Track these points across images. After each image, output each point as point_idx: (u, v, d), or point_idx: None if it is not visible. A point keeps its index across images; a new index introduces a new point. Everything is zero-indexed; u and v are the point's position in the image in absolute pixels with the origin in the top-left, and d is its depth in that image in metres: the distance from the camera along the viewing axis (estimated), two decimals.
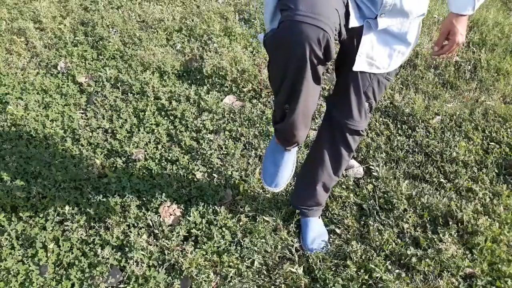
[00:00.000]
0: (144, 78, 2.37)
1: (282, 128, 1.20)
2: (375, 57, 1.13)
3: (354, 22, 1.04)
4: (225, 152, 1.97)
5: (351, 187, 1.83)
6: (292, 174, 1.39)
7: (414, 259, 1.52)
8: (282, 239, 1.60)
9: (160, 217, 1.65)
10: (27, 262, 1.48)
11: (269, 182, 1.37)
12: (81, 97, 2.24)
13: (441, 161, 1.98)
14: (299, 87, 1.01)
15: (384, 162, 1.96)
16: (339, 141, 1.37)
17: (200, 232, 1.60)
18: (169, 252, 1.52)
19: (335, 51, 1.03)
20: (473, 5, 1.12)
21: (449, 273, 1.50)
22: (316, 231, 1.60)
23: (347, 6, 1.01)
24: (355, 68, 1.13)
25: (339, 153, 1.40)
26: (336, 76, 1.30)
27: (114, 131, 2.06)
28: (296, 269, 1.49)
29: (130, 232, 1.58)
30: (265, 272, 1.50)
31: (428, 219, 1.70)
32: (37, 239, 1.54)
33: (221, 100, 2.27)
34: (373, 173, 1.90)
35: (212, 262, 1.52)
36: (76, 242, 1.55)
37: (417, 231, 1.64)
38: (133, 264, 1.49)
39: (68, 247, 1.54)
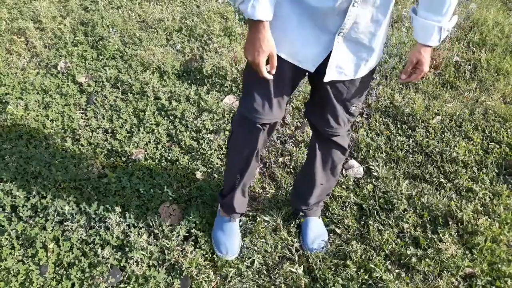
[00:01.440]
0: (144, 78, 2.37)
1: (229, 201, 1.51)
2: (343, 65, 1.14)
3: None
4: (225, 152, 1.97)
5: (351, 187, 1.83)
6: (240, 241, 1.58)
7: (414, 259, 1.52)
8: (282, 239, 1.60)
9: (160, 217, 1.65)
10: (27, 262, 1.48)
11: (223, 251, 1.53)
12: (81, 97, 2.24)
13: (441, 161, 1.98)
14: (251, 158, 1.36)
15: (384, 162, 1.96)
16: (327, 146, 1.42)
17: (200, 232, 1.60)
18: (169, 252, 1.52)
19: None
20: (439, 37, 1.12)
21: (449, 273, 1.50)
22: (316, 231, 1.60)
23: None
24: (326, 79, 1.15)
25: (331, 155, 1.44)
26: (311, 86, 1.34)
27: (114, 131, 2.06)
28: (296, 269, 1.49)
29: (130, 232, 1.58)
30: (265, 272, 1.50)
31: (428, 219, 1.70)
32: (37, 239, 1.54)
33: (221, 100, 2.27)
34: (373, 173, 1.90)
35: (212, 262, 1.52)
36: (76, 242, 1.55)
37: (417, 231, 1.64)
38: (133, 264, 1.49)
39: (68, 247, 1.54)
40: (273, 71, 1.11)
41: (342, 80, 1.19)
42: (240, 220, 1.63)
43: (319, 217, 1.66)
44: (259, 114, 1.24)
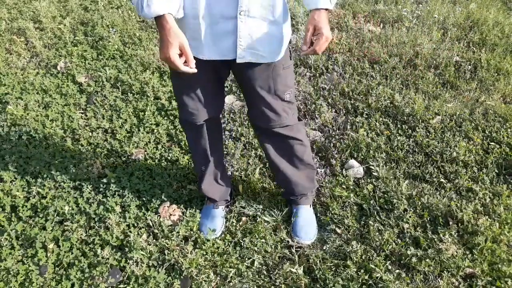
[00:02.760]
0: (144, 78, 2.37)
1: (205, 192, 1.60)
2: (257, 46, 1.14)
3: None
4: (225, 152, 1.97)
5: (351, 187, 1.82)
6: (223, 224, 1.65)
7: (414, 259, 1.52)
8: (282, 239, 1.60)
9: (160, 217, 1.65)
10: (27, 262, 1.48)
11: (204, 230, 1.61)
12: (81, 97, 2.24)
13: (441, 161, 1.98)
14: (207, 152, 1.48)
15: (384, 162, 1.96)
16: (277, 139, 1.44)
17: (200, 232, 1.60)
18: (169, 252, 1.52)
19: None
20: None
21: (449, 273, 1.50)
22: (305, 219, 1.63)
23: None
24: (239, 60, 1.15)
25: (286, 146, 1.47)
26: (239, 85, 1.38)
27: (114, 131, 2.06)
28: (296, 269, 1.48)
29: (130, 232, 1.58)
30: (265, 272, 1.50)
31: (428, 219, 1.69)
32: (37, 239, 1.54)
33: None
34: (373, 173, 1.90)
35: (212, 262, 1.52)
36: (76, 242, 1.55)
37: (417, 231, 1.64)
38: (133, 264, 1.49)
39: (68, 247, 1.54)
40: (192, 64, 1.08)
41: (263, 69, 1.20)
42: (227, 207, 1.73)
43: (310, 206, 1.68)
44: (195, 116, 1.34)
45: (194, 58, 1.11)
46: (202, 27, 1.10)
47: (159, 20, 1.00)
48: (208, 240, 1.57)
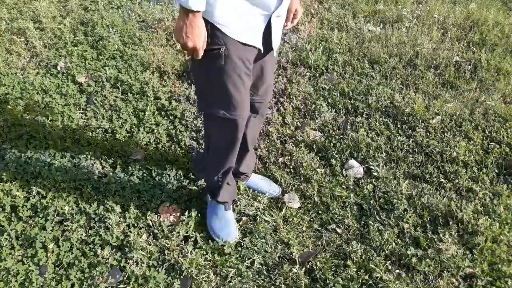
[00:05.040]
0: (144, 78, 2.37)
1: (227, 193, 1.56)
2: (277, 38, 1.28)
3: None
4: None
5: (351, 187, 1.82)
6: (237, 228, 1.62)
7: (414, 259, 1.52)
8: (282, 239, 1.60)
9: (160, 217, 1.65)
10: (27, 262, 1.48)
11: (223, 234, 1.56)
12: (81, 97, 2.24)
13: (441, 161, 1.98)
14: (237, 151, 1.43)
15: (384, 162, 1.96)
16: (261, 117, 1.54)
17: (200, 232, 1.60)
18: (169, 252, 1.52)
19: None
20: None
21: (449, 273, 1.50)
22: (263, 179, 1.81)
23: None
24: (274, 46, 1.27)
25: (258, 122, 1.56)
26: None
27: (114, 131, 2.06)
28: (296, 269, 1.48)
29: (130, 232, 1.58)
30: (265, 272, 1.50)
31: (428, 219, 1.69)
32: (37, 239, 1.54)
33: None
34: (373, 173, 1.90)
35: (212, 262, 1.52)
36: (76, 242, 1.55)
37: (417, 231, 1.64)
38: (133, 264, 1.49)
39: (68, 247, 1.54)
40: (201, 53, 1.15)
41: (272, 54, 1.32)
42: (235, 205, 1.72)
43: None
44: (239, 112, 1.29)
45: (250, 47, 1.18)
46: (259, 17, 1.17)
47: (196, 13, 1.04)
48: (224, 245, 1.54)
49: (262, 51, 1.25)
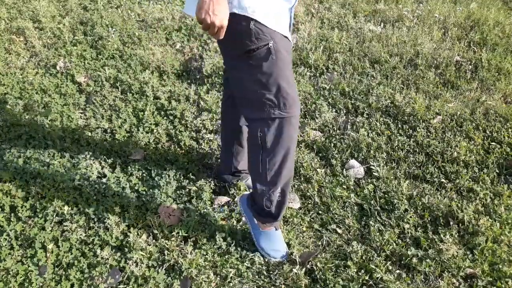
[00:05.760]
0: (144, 77, 2.36)
1: (285, 206, 1.42)
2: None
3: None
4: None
5: (351, 187, 1.82)
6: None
7: (414, 260, 1.51)
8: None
9: (159, 217, 1.65)
10: (26, 263, 1.48)
11: (279, 253, 1.53)
12: (80, 97, 2.24)
13: (442, 161, 1.97)
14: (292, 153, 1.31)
15: (384, 162, 1.95)
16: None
17: (200, 233, 1.60)
18: (168, 253, 1.52)
19: None
20: None
21: (450, 273, 1.49)
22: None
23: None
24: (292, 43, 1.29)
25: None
26: None
27: (114, 131, 2.06)
28: (296, 269, 1.48)
29: (130, 232, 1.57)
30: (265, 273, 1.50)
31: (429, 219, 1.69)
32: (36, 239, 1.54)
33: (221, 100, 2.26)
34: (373, 173, 1.89)
35: (212, 263, 1.52)
36: (76, 242, 1.55)
37: (418, 232, 1.63)
38: (132, 264, 1.48)
39: (68, 247, 1.53)
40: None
41: None
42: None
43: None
44: (295, 108, 1.21)
45: (287, 39, 1.16)
46: (287, 11, 1.18)
47: None
48: (283, 263, 1.52)
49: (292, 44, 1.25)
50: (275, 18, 1.11)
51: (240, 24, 1.06)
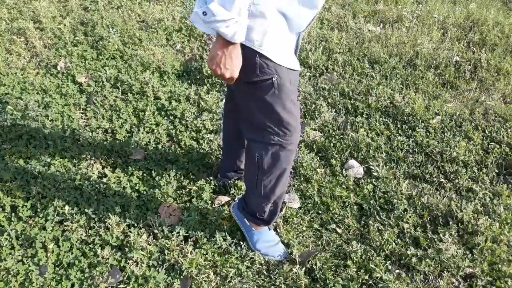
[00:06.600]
0: (144, 78, 2.37)
1: (277, 215, 1.48)
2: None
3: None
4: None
5: (351, 187, 1.82)
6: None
7: (414, 259, 1.52)
8: (282, 239, 1.60)
9: (160, 217, 1.65)
10: (27, 262, 1.48)
11: (277, 254, 1.54)
12: (81, 97, 2.24)
13: (441, 161, 1.98)
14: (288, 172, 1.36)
15: (384, 162, 1.96)
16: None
17: (200, 232, 1.60)
18: (169, 252, 1.52)
19: None
20: None
21: (449, 273, 1.50)
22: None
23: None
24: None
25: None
26: None
27: (114, 131, 2.06)
28: (296, 269, 1.48)
29: (130, 232, 1.58)
30: (265, 272, 1.50)
31: (428, 219, 1.69)
32: (37, 239, 1.54)
33: (221, 100, 2.27)
34: (373, 173, 1.90)
35: (212, 262, 1.52)
36: (76, 242, 1.55)
37: (417, 231, 1.64)
38: (133, 264, 1.48)
39: (68, 247, 1.54)
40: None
41: None
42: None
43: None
44: (294, 137, 1.25)
45: (294, 71, 1.17)
46: (294, 40, 1.18)
47: (237, 44, 1.00)
48: (282, 262, 1.53)
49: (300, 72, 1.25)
50: (283, 51, 1.11)
51: (246, 55, 1.06)
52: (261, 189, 1.37)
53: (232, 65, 1.03)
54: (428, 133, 2.13)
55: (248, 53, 1.06)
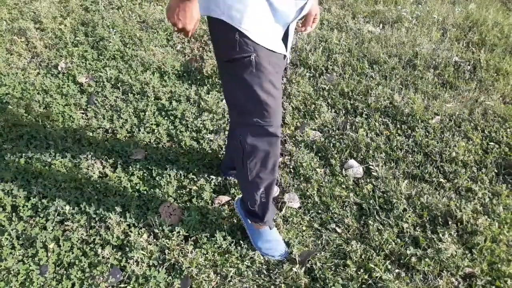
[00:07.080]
0: (145, 78, 2.37)
1: (267, 214, 1.48)
2: (291, 43, 1.31)
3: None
4: (225, 152, 1.97)
5: (350, 187, 1.83)
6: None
7: (413, 259, 1.52)
8: (282, 238, 1.60)
9: (160, 217, 1.66)
10: (28, 262, 1.49)
11: (277, 254, 1.55)
12: (82, 97, 2.25)
13: (441, 161, 1.98)
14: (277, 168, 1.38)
15: (383, 162, 1.96)
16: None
17: (200, 232, 1.61)
18: (169, 252, 1.53)
19: None
20: None
21: (449, 272, 1.50)
22: None
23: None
24: (288, 59, 1.28)
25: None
26: None
27: (115, 131, 2.07)
28: (296, 268, 1.49)
29: (131, 231, 1.59)
30: (265, 272, 1.51)
31: (427, 218, 1.70)
32: (37, 238, 1.55)
33: (221, 100, 2.27)
34: (372, 173, 1.90)
35: (212, 262, 1.53)
36: (77, 241, 1.56)
37: (417, 231, 1.64)
38: (133, 263, 1.49)
39: (69, 246, 1.54)
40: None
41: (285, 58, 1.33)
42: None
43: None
44: (273, 119, 1.25)
45: (277, 53, 1.18)
46: (280, 27, 1.19)
47: (193, 1, 1.05)
48: (282, 262, 1.54)
49: (287, 58, 1.24)
50: (264, 32, 1.12)
51: (226, 32, 1.10)
52: (248, 173, 1.37)
53: (185, 17, 1.08)
54: (427, 133, 2.13)
55: (228, 29, 1.09)
